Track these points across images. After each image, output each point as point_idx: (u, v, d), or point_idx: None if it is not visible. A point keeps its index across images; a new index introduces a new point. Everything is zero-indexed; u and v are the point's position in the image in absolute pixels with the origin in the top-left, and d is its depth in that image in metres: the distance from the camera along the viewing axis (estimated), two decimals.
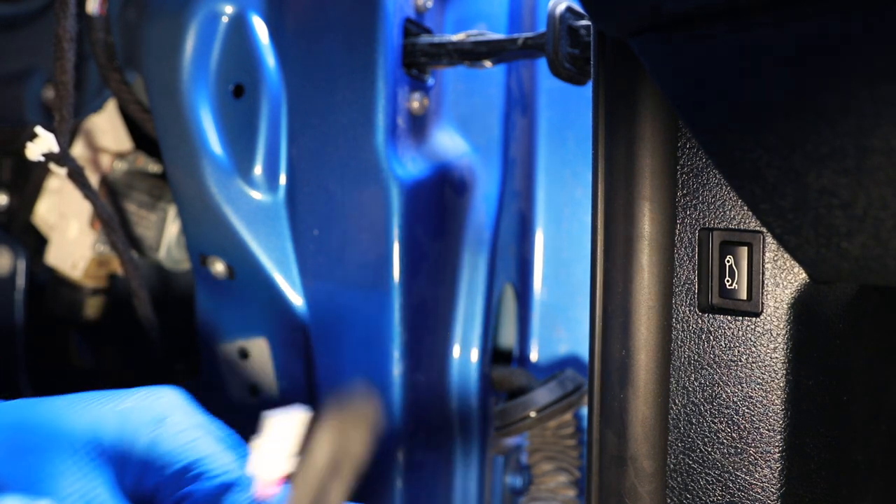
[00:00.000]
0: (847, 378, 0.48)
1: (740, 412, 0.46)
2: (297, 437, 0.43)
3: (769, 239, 0.45)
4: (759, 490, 0.46)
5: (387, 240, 0.68)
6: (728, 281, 0.46)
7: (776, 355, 0.45)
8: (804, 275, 0.45)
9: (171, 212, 0.80)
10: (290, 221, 0.72)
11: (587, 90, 0.55)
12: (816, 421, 0.47)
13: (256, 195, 0.71)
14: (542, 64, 0.78)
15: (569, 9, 0.62)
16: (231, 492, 0.46)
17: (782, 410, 0.46)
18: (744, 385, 0.46)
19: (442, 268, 0.72)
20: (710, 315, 0.47)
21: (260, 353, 0.74)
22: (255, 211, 0.71)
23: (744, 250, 0.46)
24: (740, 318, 0.46)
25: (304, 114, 0.70)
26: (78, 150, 0.82)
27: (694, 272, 0.47)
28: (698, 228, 0.47)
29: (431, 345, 0.72)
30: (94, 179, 0.82)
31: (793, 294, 0.45)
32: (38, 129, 0.71)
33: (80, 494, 0.43)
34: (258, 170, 0.71)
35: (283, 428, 0.44)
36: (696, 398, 0.47)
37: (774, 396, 0.46)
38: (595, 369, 0.50)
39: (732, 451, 0.47)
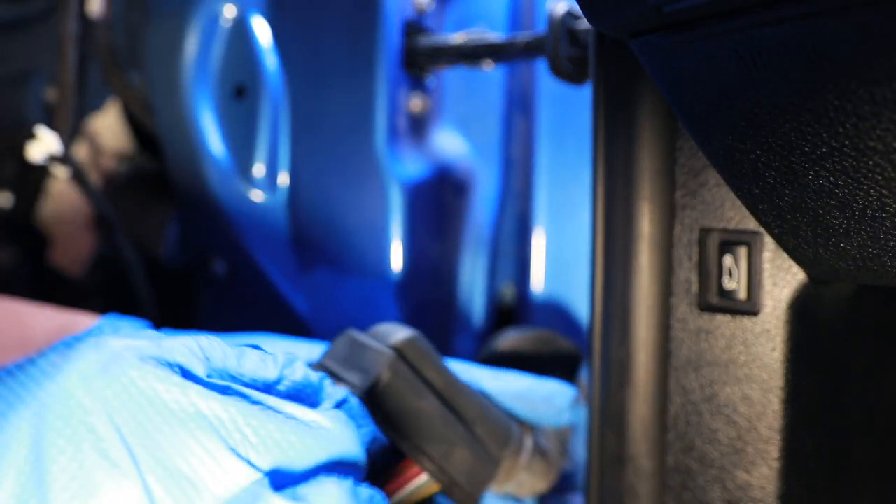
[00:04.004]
0: (845, 377, 0.49)
1: (739, 411, 0.46)
2: None
3: (768, 239, 0.45)
4: (758, 489, 0.46)
5: (387, 240, 0.68)
6: (727, 281, 0.46)
7: (775, 355, 0.46)
8: (803, 275, 0.45)
9: (173, 212, 0.80)
10: (290, 221, 0.72)
11: (587, 91, 0.55)
12: (815, 420, 0.47)
13: (257, 195, 0.71)
14: (541, 64, 0.78)
15: (569, 10, 0.62)
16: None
17: (781, 410, 0.46)
18: (742, 384, 0.46)
19: (442, 268, 0.72)
20: (709, 314, 0.47)
21: None
22: (256, 211, 0.71)
23: (742, 250, 0.46)
24: (739, 317, 0.46)
25: (305, 114, 0.70)
26: (80, 150, 0.83)
27: (693, 272, 0.47)
28: (697, 228, 0.47)
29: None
30: (96, 180, 0.82)
31: (791, 294, 0.45)
32: (41, 130, 0.71)
33: None
34: (259, 170, 0.71)
35: None
36: (694, 397, 0.48)
37: (773, 396, 0.46)
38: (595, 369, 0.50)
39: (731, 450, 0.47)
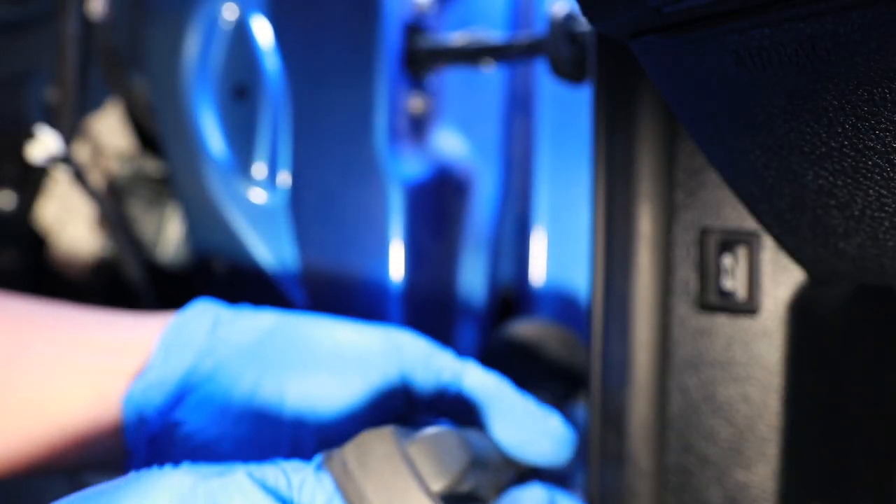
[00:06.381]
0: (845, 377, 0.49)
1: (738, 411, 0.47)
2: None
3: (767, 239, 0.45)
4: (757, 489, 0.46)
5: (387, 240, 0.68)
6: (726, 280, 0.46)
7: (774, 354, 0.46)
8: (803, 275, 0.45)
9: (173, 212, 0.80)
10: (290, 221, 0.72)
11: (587, 91, 0.55)
12: (814, 420, 0.47)
13: (257, 195, 0.71)
14: (541, 65, 0.78)
15: (569, 11, 0.62)
16: None
17: (780, 409, 0.46)
18: (741, 384, 0.46)
19: (442, 268, 0.72)
20: (709, 314, 0.47)
21: None
22: (256, 211, 0.71)
23: (742, 250, 0.46)
24: (738, 317, 0.46)
25: (306, 114, 0.71)
26: (81, 151, 0.83)
27: (692, 271, 0.47)
28: (697, 228, 0.47)
29: None
30: (97, 180, 0.82)
31: (791, 294, 0.45)
32: (42, 130, 0.71)
33: None
34: (259, 170, 0.71)
35: None
36: (694, 397, 0.48)
37: (772, 395, 0.46)
38: (595, 369, 0.51)
39: (730, 449, 0.47)
